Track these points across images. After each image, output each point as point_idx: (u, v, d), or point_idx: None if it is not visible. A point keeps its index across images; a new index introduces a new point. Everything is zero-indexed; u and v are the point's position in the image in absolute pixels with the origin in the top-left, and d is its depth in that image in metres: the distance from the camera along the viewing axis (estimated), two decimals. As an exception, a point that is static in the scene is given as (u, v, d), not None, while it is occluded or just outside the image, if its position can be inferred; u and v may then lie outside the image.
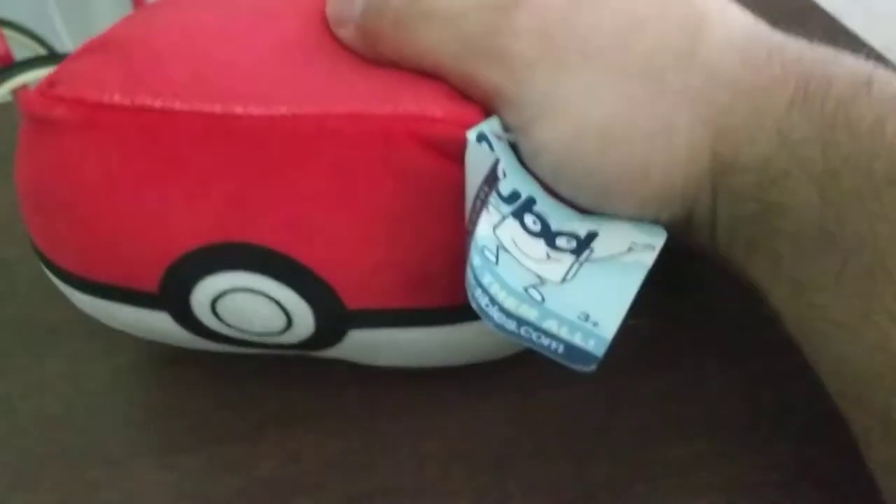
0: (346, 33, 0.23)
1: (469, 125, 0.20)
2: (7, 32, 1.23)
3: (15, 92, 1.20)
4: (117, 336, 0.28)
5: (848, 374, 0.20)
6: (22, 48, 1.30)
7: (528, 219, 0.21)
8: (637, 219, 0.22)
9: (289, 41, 0.23)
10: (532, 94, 0.20)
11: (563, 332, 0.19)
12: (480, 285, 0.19)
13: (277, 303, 0.22)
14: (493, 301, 0.19)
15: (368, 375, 0.26)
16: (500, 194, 0.20)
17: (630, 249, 0.21)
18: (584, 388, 0.26)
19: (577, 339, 0.19)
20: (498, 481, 0.24)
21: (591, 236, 0.21)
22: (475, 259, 0.19)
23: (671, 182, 0.21)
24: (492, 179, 0.19)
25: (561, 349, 0.19)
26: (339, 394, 0.26)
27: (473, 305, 0.19)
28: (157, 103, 0.21)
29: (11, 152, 0.23)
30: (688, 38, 0.21)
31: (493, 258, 0.20)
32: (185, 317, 0.23)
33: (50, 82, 0.22)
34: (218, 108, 0.21)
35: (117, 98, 0.21)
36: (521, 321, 0.19)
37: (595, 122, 0.20)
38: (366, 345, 0.24)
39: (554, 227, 0.21)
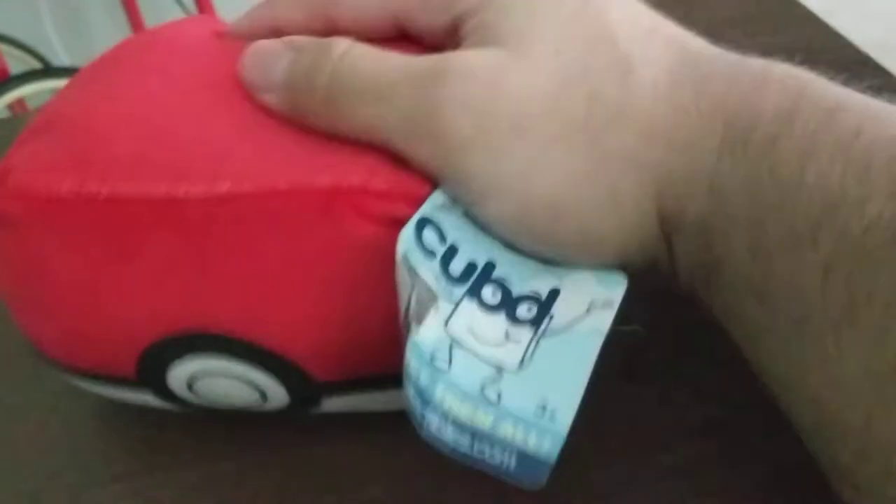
0: (271, 99, 0.22)
1: (413, 199, 0.20)
2: (2, 47, 1.24)
3: (11, 106, 1.20)
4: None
5: (802, 427, 0.20)
6: (16, 62, 1.31)
7: (487, 291, 0.21)
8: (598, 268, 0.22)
9: (230, 110, 0.22)
10: (471, 175, 0.20)
11: (518, 437, 0.18)
12: (430, 403, 0.19)
13: (248, 382, 0.23)
14: (445, 417, 0.19)
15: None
16: (449, 277, 0.20)
17: (588, 310, 0.21)
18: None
19: (532, 443, 0.18)
20: (496, 489, 0.24)
21: (553, 295, 0.21)
22: (422, 377, 0.19)
23: (626, 243, 0.21)
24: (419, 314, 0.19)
25: (513, 464, 0.19)
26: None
27: (422, 434, 0.19)
28: (105, 189, 0.20)
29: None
30: (617, 91, 0.20)
31: (445, 364, 0.19)
32: (168, 395, 0.24)
33: (4, 170, 0.22)
34: (162, 189, 0.20)
35: (66, 187, 0.20)
36: (474, 434, 0.19)
37: (539, 198, 0.20)
38: (344, 406, 0.24)
39: (515, 291, 0.21)
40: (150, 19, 1.37)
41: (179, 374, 0.23)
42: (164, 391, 0.24)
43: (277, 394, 0.23)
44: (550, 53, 0.20)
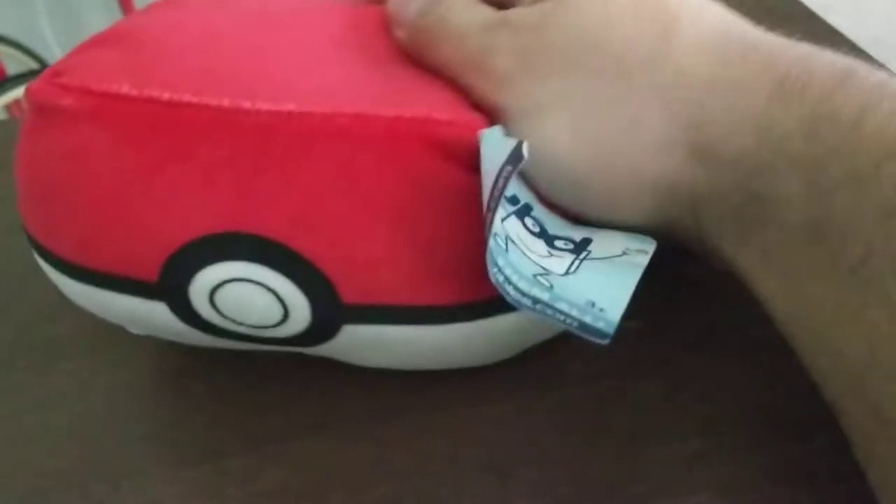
0: (400, 35, 0.25)
1: (473, 129, 0.21)
2: (0, 48, 1.24)
3: (8, 107, 1.20)
4: (121, 351, 0.29)
5: (839, 367, 0.20)
6: (13, 63, 1.31)
7: (528, 221, 0.22)
8: (618, 222, 0.23)
9: (304, 42, 0.24)
10: (511, 102, 0.22)
11: (575, 313, 0.20)
12: (496, 265, 0.20)
13: (275, 294, 0.22)
14: (507, 280, 0.20)
15: (368, 386, 0.27)
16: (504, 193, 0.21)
17: (624, 253, 0.22)
18: (580, 391, 0.26)
19: (588, 319, 0.20)
20: (500, 485, 0.24)
21: (587, 241, 0.22)
22: (490, 242, 0.20)
23: (640, 173, 0.22)
24: (517, 158, 0.19)
25: (575, 324, 0.20)
26: (339, 405, 0.27)
27: (492, 280, 0.20)
28: (166, 95, 0.21)
29: (10, 167, 0.23)
30: (658, 39, 0.22)
31: (503, 245, 0.21)
32: (183, 308, 0.23)
33: (56, 72, 0.22)
34: (226, 102, 0.21)
35: (125, 89, 0.21)
36: (535, 300, 0.20)
37: (566, 122, 0.22)
38: (359, 341, 0.24)
39: (551, 231, 0.22)
40: (147, 19, 1.37)
41: (206, 279, 0.22)
42: (182, 302, 0.23)
43: (301, 311, 0.23)
44: (599, 2, 0.22)
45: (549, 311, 0.20)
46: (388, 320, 0.23)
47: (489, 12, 0.24)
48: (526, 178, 0.23)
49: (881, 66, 0.41)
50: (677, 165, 0.22)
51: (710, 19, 0.22)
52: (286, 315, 0.23)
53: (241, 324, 0.23)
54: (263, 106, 0.21)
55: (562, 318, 0.20)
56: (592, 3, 0.22)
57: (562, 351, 0.27)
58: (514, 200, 0.22)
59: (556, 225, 0.23)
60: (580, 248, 0.22)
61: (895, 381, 0.18)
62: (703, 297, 0.29)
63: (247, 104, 0.21)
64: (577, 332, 0.20)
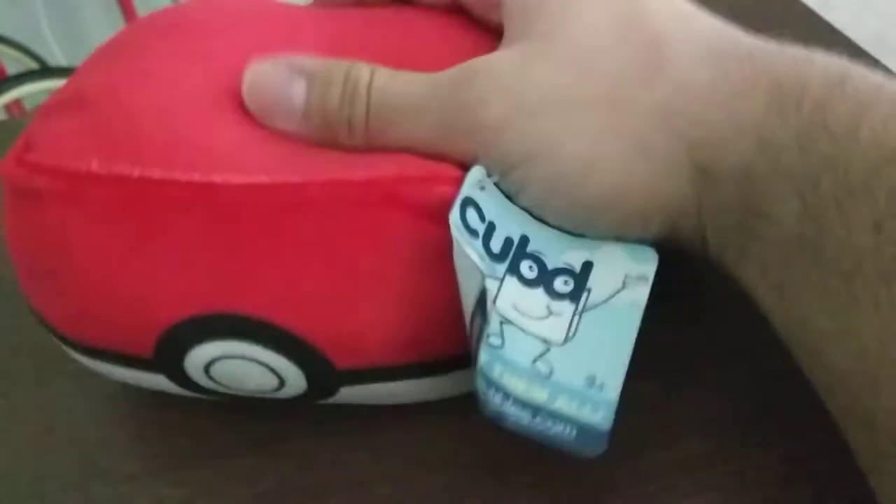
0: (289, 127, 0.22)
1: (448, 180, 0.21)
2: (-1, 48, 1.24)
3: (7, 106, 1.20)
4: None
5: (833, 381, 0.20)
6: (13, 63, 1.31)
7: (524, 266, 0.22)
8: (624, 238, 0.22)
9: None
10: (505, 150, 0.21)
11: (573, 410, 0.20)
12: (492, 384, 0.20)
13: (268, 367, 0.23)
14: (506, 396, 0.20)
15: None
16: (492, 255, 0.21)
17: (624, 285, 0.22)
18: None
19: (586, 415, 0.20)
20: (501, 486, 0.24)
21: (587, 268, 0.22)
22: (482, 357, 0.20)
23: (652, 198, 0.21)
24: (483, 301, 0.20)
25: (574, 434, 0.20)
26: (340, 408, 0.27)
27: (487, 413, 0.20)
28: (136, 172, 0.21)
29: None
30: (651, 58, 0.21)
31: (499, 342, 0.20)
32: (182, 379, 0.24)
33: (25, 145, 0.22)
34: (197, 177, 0.20)
35: (94, 167, 0.21)
36: (534, 409, 0.20)
37: (569, 159, 0.21)
38: (359, 396, 0.24)
39: (550, 264, 0.22)
40: (147, 19, 1.37)
41: (198, 356, 0.22)
42: (179, 375, 0.23)
43: (296, 380, 0.23)
44: (588, 32, 0.21)
45: (549, 423, 0.20)
46: (384, 378, 0.23)
47: (434, 75, 0.22)
48: (531, 211, 0.22)
49: (879, 64, 0.41)
50: (685, 185, 0.21)
51: (700, 29, 0.22)
52: (282, 383, 0.23)
53: (240, 390, 0.24)
54: (234, 179, 0.20)
55: (560, 428, 0.20)
56: (574, 34, 0.21)
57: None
58: (505, 248, 0.21)
59: (555, 248, 0.22)
60: (580, 285, 0.22)
61: (885, 394, 0.18)
62: (704, 298, 0.29)
63: (218, 178, 0.20)
64: (574, 446, 0.20)
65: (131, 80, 0.23)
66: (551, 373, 0.20)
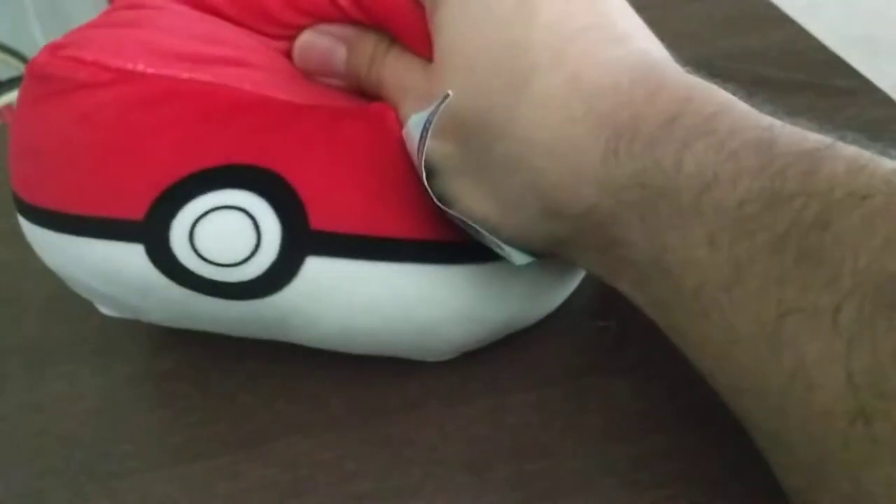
0: (333, 82, 0.28)
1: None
2: (-9, 53, 1.24)
3: (0, 111, 1.21)
4: (113, 354, 0.30)
5: (722, 391, 0.22)
6: (4, 68, 1.31)
7: None
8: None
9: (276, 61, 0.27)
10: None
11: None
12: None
13: (252, 219, 0.24)
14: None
15: (351, 386, 0.28)
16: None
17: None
18: (557, 390, 0.28)
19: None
20: (478, 481, 0.25)
21: None
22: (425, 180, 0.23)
23: (516, 233, 0.24)
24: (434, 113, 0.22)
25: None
26: (325, 404, 0.28)
27: (437, 203, 0.24)
28: (184, 75, 0.24)
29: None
30: (510, 106, 0.23)
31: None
32: (160, 247, 0.24)
33: (57, 46, 0.24)
34: (246, 87, 0.25)
35: (141, 67, 0.24)
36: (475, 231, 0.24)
37: (464, 183, 0.24)
38: (317, 287, 0.25)
39: None
40: (138, 23, 1.37)
41: (194, 209, 0.24)
42: (160, 241, 0.24)
43: (272, 238, 0.24)
44: (465, 73, 0.23)
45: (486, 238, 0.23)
46: (350, 252, 0.25)
47: (408, 71, 0.26)
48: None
49: (855, 73, 0.42)
50: (541, 223, 0.23)
51: (565, 65, 0.22)
52: (258, 245, 0.24)
53: (211, 262, 0.24)
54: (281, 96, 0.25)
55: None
56: (459, 74, 0.23)
57: (535, 350, 0.29)
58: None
59: None
60: None
61: (751, 399, 0.20)
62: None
63: (268, 93, 0.25)
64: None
65: (157, 22, 0.26)
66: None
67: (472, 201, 0.24)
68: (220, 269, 0.24)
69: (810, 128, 0.20)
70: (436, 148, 0.24)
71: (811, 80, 0.43)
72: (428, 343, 0.27)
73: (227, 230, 0.24)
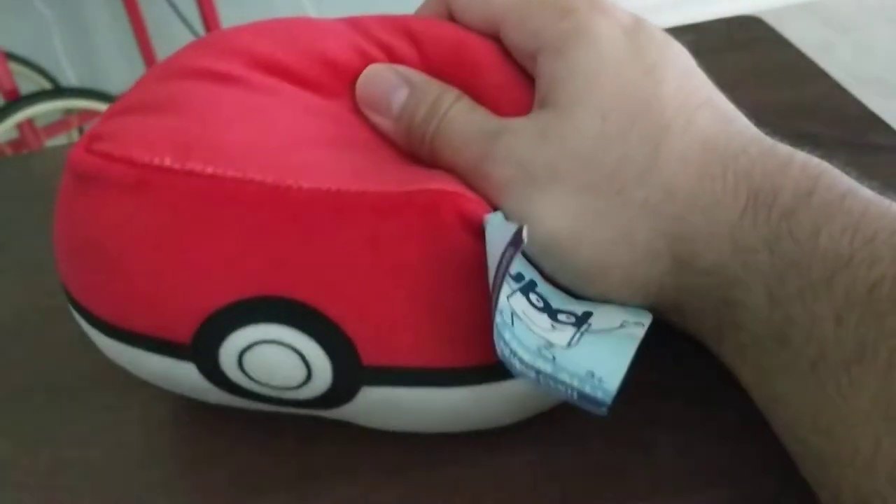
0: (382, 123, 0.26)
1: (479, 201, 0.24)
2: (14, 67, 1.25)
3: (20, 126, 1.21)
4: (154, 387, 0.29)
5: (804, 454, 0.22)
6: (26, 82, 1.32)
7: (532, 297, 0.24)
8: (614, 301, 0.25)
9: (327, 128, 0.25)
10: (510, 208, 0.24)
11: (575, 383, 0.22)
12: (503, 339, 0.22)
13: (300, 354, 0.24)
14: (513, 353, 0.22)
15: (400, 434, 0.28)
16: (509, 272, 0.22)
17: (623, 325, 0.24)
18: (602, 441, 0.27)
19: (588, 389, 0.21)
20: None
21: (588, 314, 0.24)
22: (497, 318, 0.21)
23: (632, 277, 0.24)
24: (517, 241, 0.21)
25: (575, 395, 0.22)
26: (374, 448, 0.27)
27: (498, 353, 0.22)
28: (209, 170, 0.22)
29: (41, 203, 0.24)
30: (648, 156, 0.23)
31: (509, 321, 0.22)
32: (211, 368, 0.24)
33: (93, 137, 0.23)
34: (270, 179, 0.22)
35: (168, 162, 0.22)
36: (538, 372, 0.22)
37: (563, 230, 0.24)
38: (375, 404, 0.25)
39: (554, 305, 0.24)
40: (158, 41, 1.38)
41: (238, 341, 0.23)
42: (210, 363, 0.24)
43: (323, 371, 0.24)
44: (597, 119, 0.24)
45: (552, 383, 0.22)
46: (404, 382, 0.24)
47: (487, 118, 0.25)
48: (530, 260, 0.25)
49: (893, 132, 0.42)
50: (662, 272, 0.24)
51: (697, 130, 0.24)
52: (309, 376, 0.24)
53: (265, 385, 0.25)
54: (306, 184, 0.23)
55: (562, 388, 0.22)
56: (591, 119, 0.23)
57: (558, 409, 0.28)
58: (518, 278, 0.24)
59: (558, 299, 0.24)
60: (581, 321, 0.24)
61: (853, 472, 0.20)
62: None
63: (290, 181, 0.23)
64: (577, 403, 0.22)
65: (199, 94, 0.25)
66: (554, 359, 0.22)
67: (589, 248, 0.24)
68: (275, 389, 0.25)
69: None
70: (549, 196, 0.24)
71: (847, 136, 0.43)
72: (488, 426, 0.27)
73: (276, 362, 0.24)
